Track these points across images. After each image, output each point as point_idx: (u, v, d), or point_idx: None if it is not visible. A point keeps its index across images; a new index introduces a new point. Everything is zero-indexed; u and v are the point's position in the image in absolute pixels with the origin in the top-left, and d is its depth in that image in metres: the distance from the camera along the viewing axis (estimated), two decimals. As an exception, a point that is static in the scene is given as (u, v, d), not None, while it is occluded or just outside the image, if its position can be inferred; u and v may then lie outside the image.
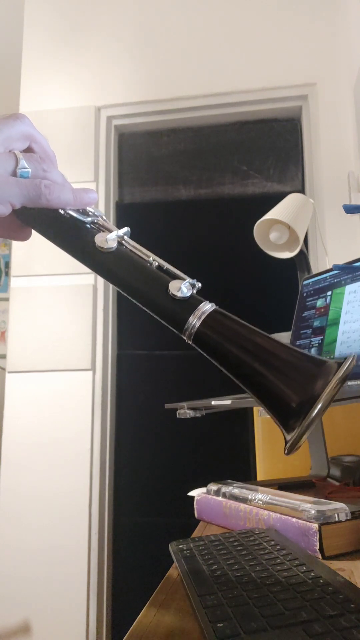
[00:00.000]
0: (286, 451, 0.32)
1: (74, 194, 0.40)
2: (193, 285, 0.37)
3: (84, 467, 1.86)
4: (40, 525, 1.83)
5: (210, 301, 0.37)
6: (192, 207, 2.12)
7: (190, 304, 0.36)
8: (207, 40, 2.10)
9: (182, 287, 0.36)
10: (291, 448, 0.31)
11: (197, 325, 0.35)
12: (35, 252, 2.02)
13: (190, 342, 0.36)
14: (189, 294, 0.36)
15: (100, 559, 1.82)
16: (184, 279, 0.37)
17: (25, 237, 0.43)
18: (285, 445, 0.32)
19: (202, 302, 0.36)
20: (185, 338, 0.36)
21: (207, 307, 0.36)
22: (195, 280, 0.37)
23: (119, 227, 0.40)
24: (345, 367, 0.31)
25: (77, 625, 1.75)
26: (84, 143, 2.09)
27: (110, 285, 2.43)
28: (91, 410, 1.91)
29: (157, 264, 0.38)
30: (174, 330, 0.37)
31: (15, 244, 2.09)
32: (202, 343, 0.36)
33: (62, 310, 1.97)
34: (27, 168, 0.38)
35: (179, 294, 0.36)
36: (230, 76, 2.06)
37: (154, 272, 0.38)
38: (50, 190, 0.38)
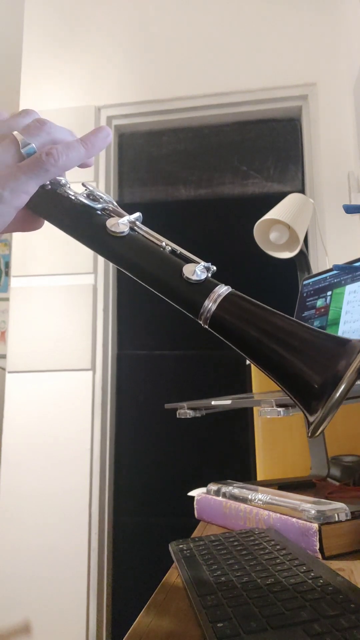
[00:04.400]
0: (309, 434, 0.31)
1: (84, 144, 0.37)
2: (208, 269, 0.36)
3: (84, 467, 1.86)
4: (40, 526, 1.83)
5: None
6: (192, 207, 2.12)
7: (205, 287, 0.35)
8: (207, 40, 2.10)
9: (197, 270, 0.35)
10: (315, 430, 0.30)
11: (213, 309, 0.34)
12: (35, 252, 2.02)
13: (207, 327, 0.35)
14: (204, 277, 0.35)
15: (100, 559, 1.82)
16: (199, 262, 0.36)
17: (37, 226, 0.42)
18: (309, 427, 0.31)
19: (217, 285, 0.35)
20: (201, 322, 0.35)
21: (222, 289, 0.35)
22: (210, 263, 0.36)
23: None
24: None
25: (77, 625, 1.75)
26: (84, 143, 2.09)
27: (111, 285, 2.38)
28: (91, 410, 1.91)
29: (170, 248, 0.37)
30: (190, 315, 0.35)
31: (15, 244, 2.09)
32: (219, 327, 0.34)
33: (62, 310, 1.97)
34: (29, 143, 0.35)
35: (194, 277, 0.35)
36: (230, 76, 2.06)
37: (168, 256, 0.37)
38: (55, 157, 0.35)
